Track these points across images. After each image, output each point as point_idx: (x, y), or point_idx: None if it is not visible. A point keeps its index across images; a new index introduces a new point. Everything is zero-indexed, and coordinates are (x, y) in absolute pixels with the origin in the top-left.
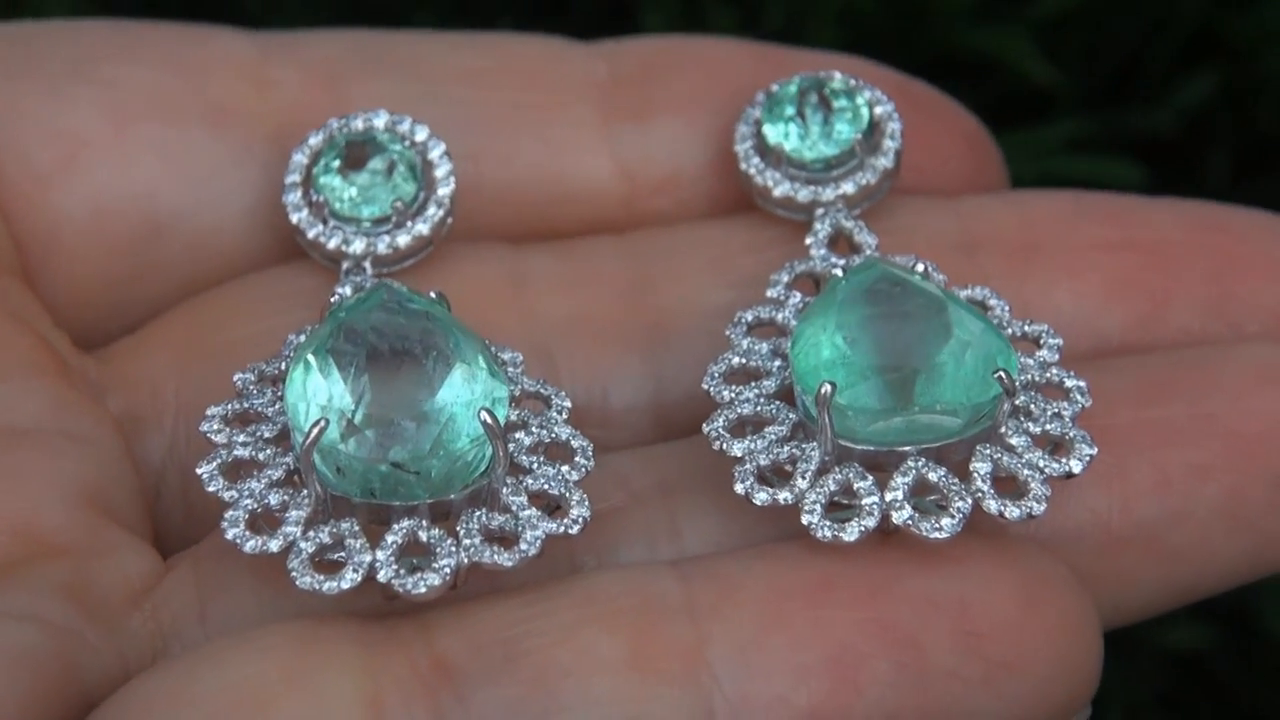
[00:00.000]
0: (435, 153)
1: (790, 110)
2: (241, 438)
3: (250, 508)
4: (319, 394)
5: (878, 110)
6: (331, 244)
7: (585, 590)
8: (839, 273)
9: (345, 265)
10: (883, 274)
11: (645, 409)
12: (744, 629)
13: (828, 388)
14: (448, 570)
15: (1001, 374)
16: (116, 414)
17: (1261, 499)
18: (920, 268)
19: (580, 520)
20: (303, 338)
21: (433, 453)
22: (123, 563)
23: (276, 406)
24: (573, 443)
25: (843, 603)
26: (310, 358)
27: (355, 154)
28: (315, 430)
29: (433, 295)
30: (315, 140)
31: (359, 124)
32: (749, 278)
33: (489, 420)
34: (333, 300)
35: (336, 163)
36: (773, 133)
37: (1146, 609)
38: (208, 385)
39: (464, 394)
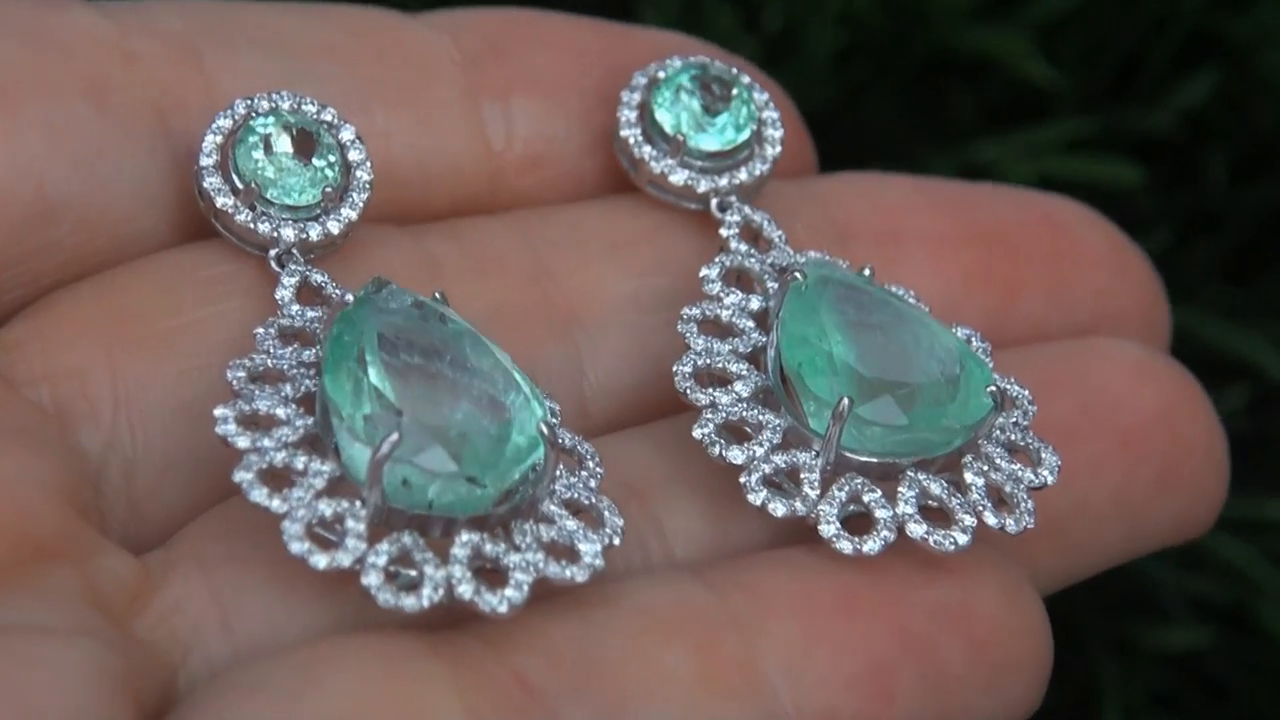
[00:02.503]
0: (346, 135)
1: (683, 97)
2: (269, 442)
3: (306, 519)
4: (378, 405)
5: (757, 97)
6: (261, 229)
7: (633, 602)
8: (762, 269)
9: (275, 252)
10: (838, 279)
11: (567, 400)
12: (791, 641)
13: (846, 402)
14: (527, 586)
15: (993, 391)
16: (41, 406)
17: (1146, 489)
18: (844, 264)
19: (618, 530)
20: (273, 331)
21: (494, 465)
22: (111, 564)
23: (290, 409)
24: (580, 449)
25: (871, 614)
26: (365, 369)
27: (287, 138)
28: (387, 445)
29: (437, 295)
30: (224, 121)
31: (264, 104)
32: (649, 265)
33: (547, 433)
34: (279, 295)
35: (258, 146)
36: (668, 119)
37: (1049, 587)
38: (148, 378)
39: (523, 409)
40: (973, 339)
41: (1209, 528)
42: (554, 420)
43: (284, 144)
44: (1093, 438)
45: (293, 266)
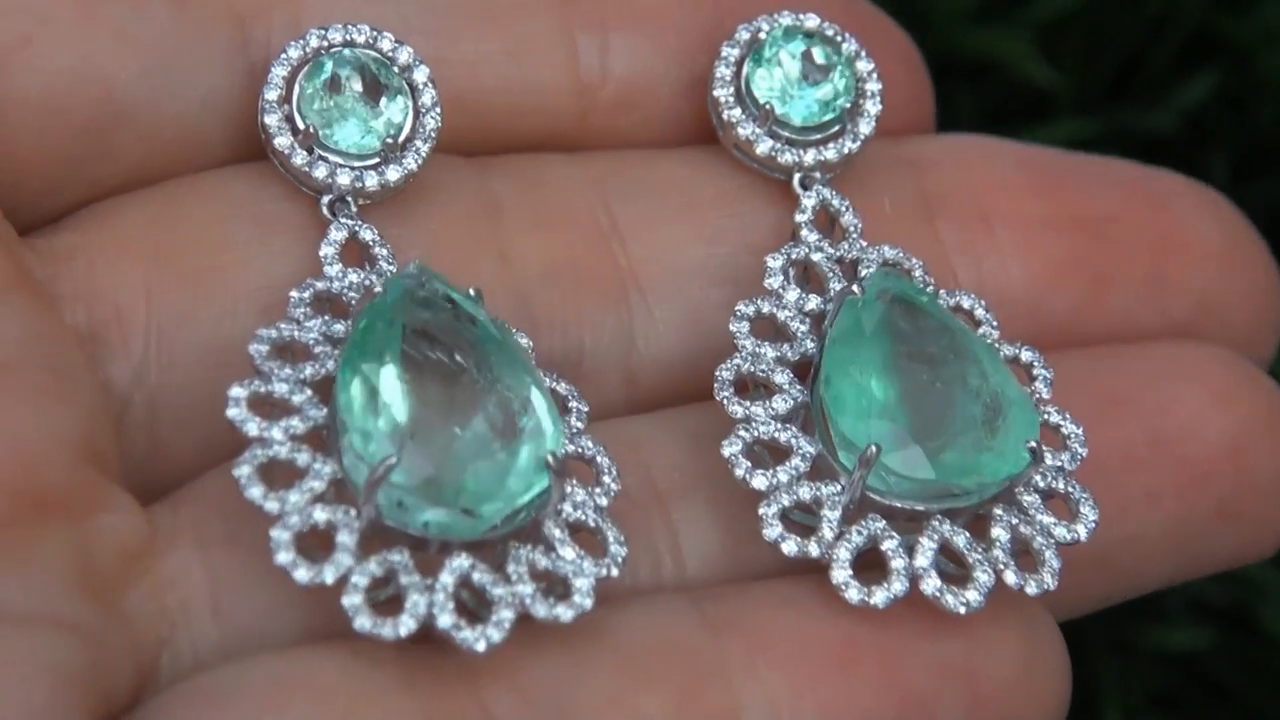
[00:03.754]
0: (420, 76)
1: (782, 62)
2: (276, 433)
3: (297, 527)
4: (384, 420)
5: (860, 67)
6: (317, 174)
7: (619, 638)
8: (837, 279)
9: (328, 199)
10: (895, 298)
11: (615, 371)
12: (778, 692)
13: (874, 450)
14: (508, 624)
15: (1033, 446)
16: (76, 329)
17: (1204, 522)
18: (916, 273)
19: (619, 559)
20: (307, 296)
21: (495, 496)
22: (115, 521)
23: (306, 395)
24: (599, 460)
25: (867, 667)
26: (380, 373)
27: (357, 78)
28: (382, 469)
29: (470, 293)
30: (294, 51)
31: (337, 36)
32: (722, 233)
33: (553, 465)
34: (322, 252)
35: (322, 87)
36: (762, 84)
37: (1075, 612)
38: (184, 314)
39: (534, 435)
40: (1035, 364)
41: (1269, 557)
42: (577, 427)
43: (352, 85)
44: (1153, 470)
45: (342, 219)
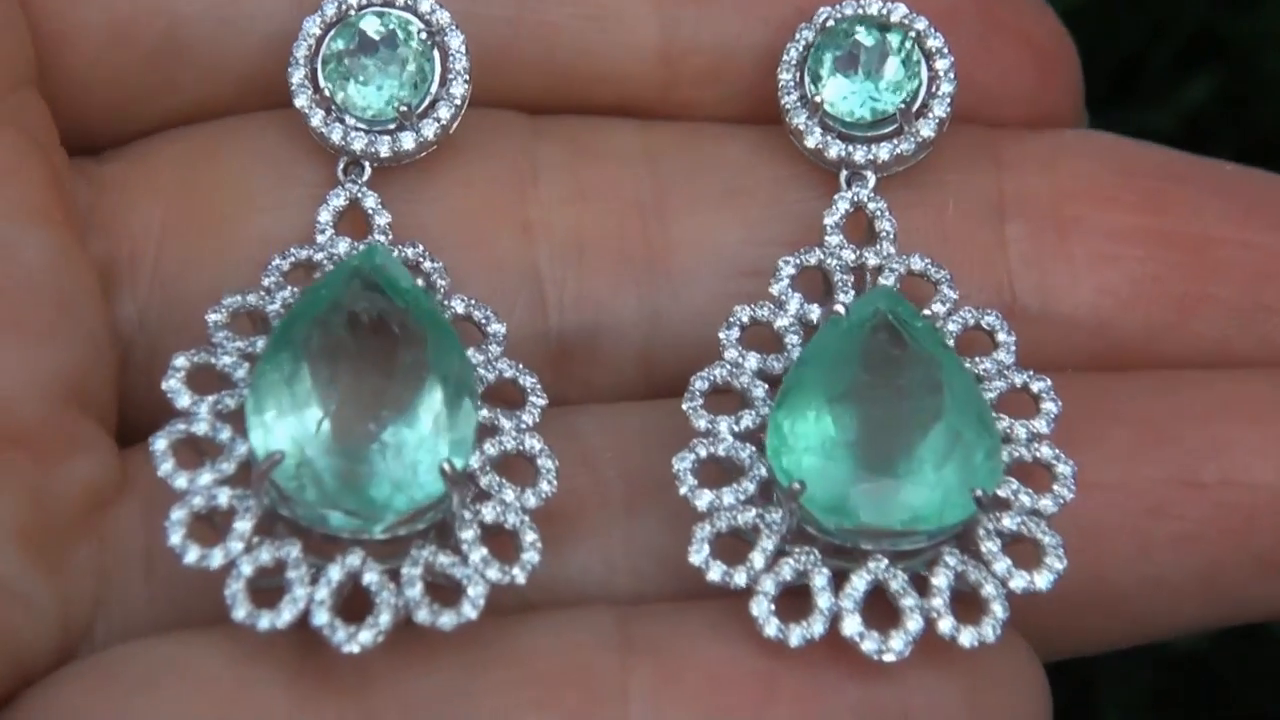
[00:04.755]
0: (454, 42)
1: (844, 50)
2: (203, 408)
3: (198, 507)
4: (285, 405)
5: (937, 65)
6: (333, 136)
7: (522, 649)
8: (844, 299)
9: (343, 162)
10: (883, 321)
11: (633, 354)
12: None
13: (796, 486)
14: (384, 628)
15: (980, 495)
16: (98, 261)
17: (1242, 573)
18: (943, 287)
19: (528, 567)
20: (285, 265)
21: (390, 500)
22: (86, 465)
23: (245, 370)
24: (539, 461)
25: (780, 708)
26: (295, 361)
27: (386, 39)
28: (268, 464)
29: (419, 283)
30: (331, 9)
31: None
32: (763, 219)
33: (449, 471)
34: (320, 217)
35: (348, 47)
36: (821, 73)
37: (1099, 649)
38: (189, 259)
39: (429, 438)
40: (1044, 395)
41: None
42: (527, 422)
43: (381, 46)
44: (1184, 513)
45: (348, 184)
